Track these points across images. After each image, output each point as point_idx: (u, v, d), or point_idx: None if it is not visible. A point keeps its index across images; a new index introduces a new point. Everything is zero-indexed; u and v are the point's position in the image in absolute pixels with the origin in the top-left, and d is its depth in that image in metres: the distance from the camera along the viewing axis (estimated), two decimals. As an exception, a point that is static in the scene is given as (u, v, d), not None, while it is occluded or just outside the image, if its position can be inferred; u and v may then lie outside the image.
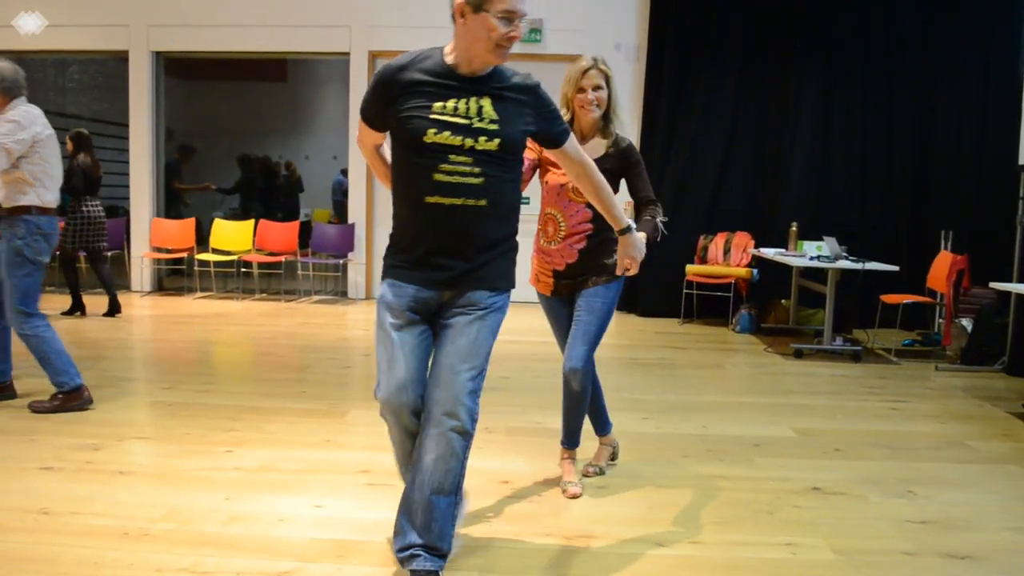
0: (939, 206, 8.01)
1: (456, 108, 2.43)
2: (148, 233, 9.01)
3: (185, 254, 8.96)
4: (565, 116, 3.15)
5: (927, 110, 8.09)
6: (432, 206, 2.43)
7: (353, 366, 5.71)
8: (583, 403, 3.37)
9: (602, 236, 3.22)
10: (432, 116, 2.41)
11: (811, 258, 6.64)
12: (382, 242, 9.08)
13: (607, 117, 3.27)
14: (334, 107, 9.84)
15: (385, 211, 8.91)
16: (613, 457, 3.73)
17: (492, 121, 2.45)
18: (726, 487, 3.51)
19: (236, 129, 11.92)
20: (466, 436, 2.47)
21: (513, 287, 2.65)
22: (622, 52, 8.26)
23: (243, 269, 9.00)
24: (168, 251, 9.00)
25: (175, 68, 9.50)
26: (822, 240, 6.81)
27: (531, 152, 3.15)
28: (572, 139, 2.67)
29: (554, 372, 5.48)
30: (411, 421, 2.51)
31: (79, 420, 4.18)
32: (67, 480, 3.35)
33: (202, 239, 9.16)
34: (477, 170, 2.44)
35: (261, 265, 9.01)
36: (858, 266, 6.31)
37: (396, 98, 2.44)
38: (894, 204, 8.13)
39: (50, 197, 4.31)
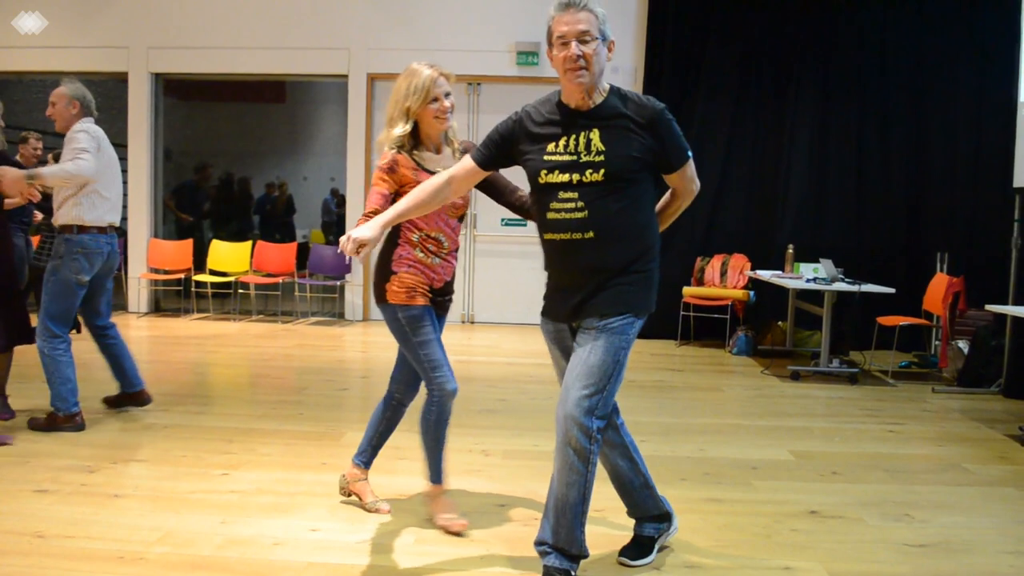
0: (935, 228, 8.03)
1: (567, 146, 2.55)
2: (145, 254, 9.01)
3: (182, 275, 8.95)
4: (404, 129, 2.99)
5: (923, 132, 8.13)
6: (548, 242, 2.64)
7: (350, 388, 5.70)
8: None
9: None
10: (545, 158, 2.58)
11: (808, 280, 6.65)
12: (379, 263, 9.10)
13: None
14: (332, 129, 9.89)
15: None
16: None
17: (599, 152, 2.52)
18: (723, 510, 3.50)
19: (235, 150, 11.96)
20: (581, 452, 2.53)
21: (636, 311, 2.61)
22: (619, 75, 8.31)
23: (240, 290, 9.00)
24: (165, 272, 9.00)
25: (174, 89, 9.55)
26: (819, 262, 6.82)
27: (384, 185, 2.97)
28: (690, 165, 2.69)
29: (551, 395, 5.49)
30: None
31: (74, 442, 4.17)
32: (62, 503, 3.34)
33: (199, 260, 9.16)
34: (582, 203, 2.53)
35: (258, 286, 9.01)
36: (854, 288, 6.32)
37: (522, 142, 2.64)
38: (890, 226, 8.15)
39: (96, 215, 4.31)
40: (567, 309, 2.65)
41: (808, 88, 8.21)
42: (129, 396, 4.76)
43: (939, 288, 6.69)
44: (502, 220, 8.62)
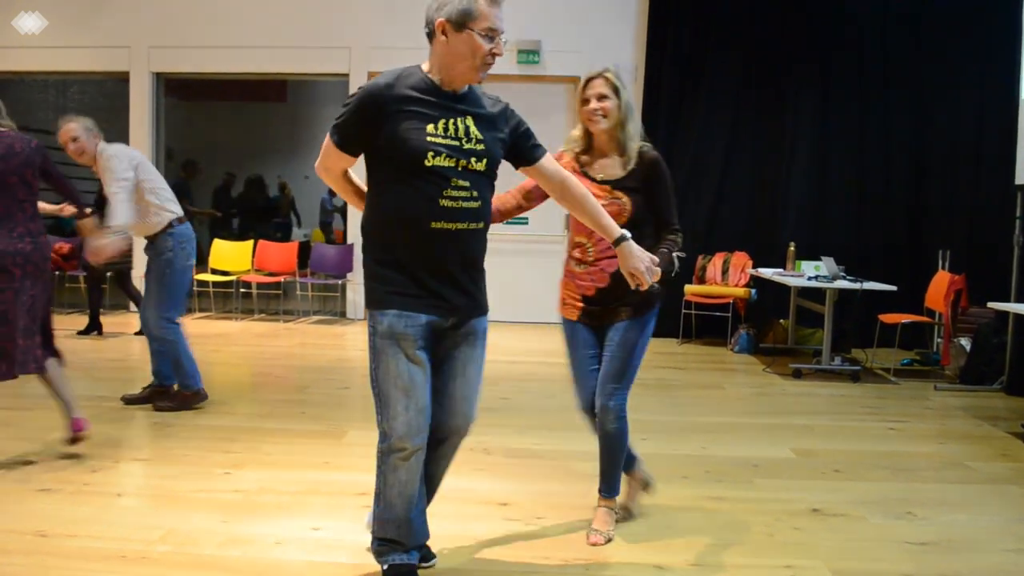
0: (937, 225, 8.02)
1: (447, 129, 2.43)
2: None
3: (184, 274, 8.95)
4: (580, 128, 3.05)
5: (924, 129, 8.12)
6: (438, 232, 2.42)
7: (352, 387, 5.70)
8: (620, 444, 3.10)
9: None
10: (428, 139, 2.40)
11: (809, 278, 6.65)
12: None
13: (624, 133, 2.98)
14: (334, 128, 9.89)
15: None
16: (646, 487, 3.41)
17: (479, 141, 2.47)
18: (725, 508, 3.50)
19: (236, 149, 11.97)
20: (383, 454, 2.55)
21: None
22: (620, 72, 8.29)
23: (242, 290, 9.00)
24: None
25: (176, 89, 9.56)
26: (820, 260, 6.82)
27: None
28: (548, 156, 2.67)
29: (552, 393, 5.49)
30: (420, 459, 2.56)
31: (77, 441, 4.17)
32: (64, 502, 3.34)
33: (201, 260, 9.16)
34: (475, 193, 2.46)
35: (260, 285, 9.01)
36: (856, 286, 6.32)
37: (388, 117, 2.40)
38: (892, 224, 8.15)
39: (174, 207, 4.77)
40: (450, 304, 2.48)
41: (809, 86, 8.20)
42: (161, 391, 4.91)
43: (941, 285, 6.68)
44: (503, 219, 8.60)
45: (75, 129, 4.51)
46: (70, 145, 4.48)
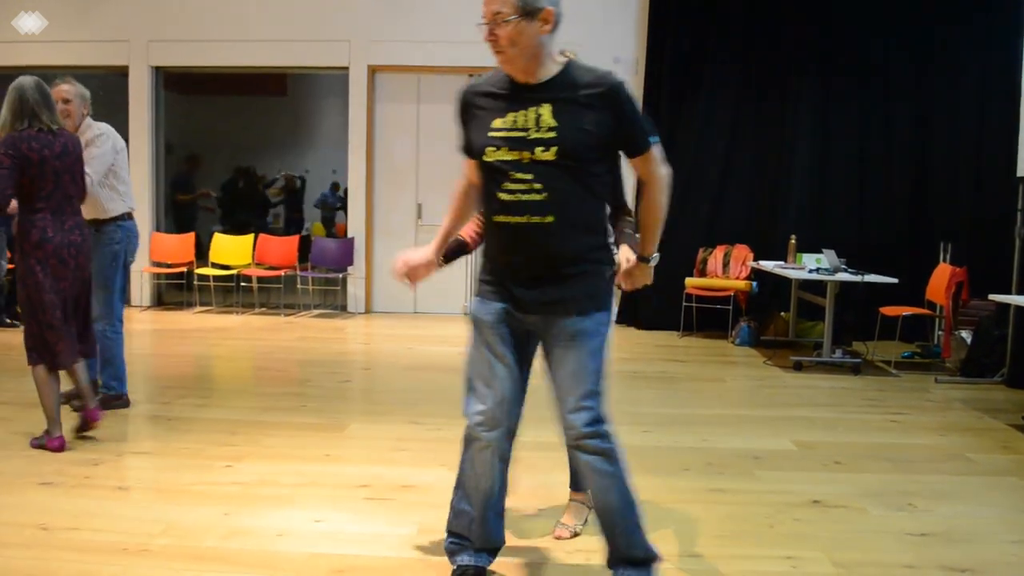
0: (938, 218, 8.01)
1: (515, 121, 2.36)
2: (148, 247, 9.00)
3: (185, 268, 8.96)
4: None
5: (925, 121, 8.10)
6: (501, 225, 2.41)
7: (353, 380, 5.71)
8: None
9: None
10: (490, 134, 2.38)
11: (810, 271, 6.64)
12: (381, 255, 9.12)
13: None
14: (334, 121, 9.85)
15: (384, 224, 8.93)
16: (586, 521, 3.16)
17: (550, 129, 2.33)
18: (726, 500, 3.51)
19: (236, 143, 11.93)
20: (602, 453, 2.42)
21: (606, 307, 2.46)
22: (621, 65, 8.27)
23: (242, 283, 9.00)
24: (168, 265, 9.00)
25: (175, 83, 9.53)
26: (821, 252, 6.81)
27: None
28: (656, 150, 2.44)
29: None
30: (504, 444, 2.55)
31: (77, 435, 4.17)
32: (66, 495, 3.35)
33: (201, 253, 9.16)
34: (539, 185, 2.34)
35: (260, 279, 9.00)
36: (857, 278, 6.31)
37: (469, 116, 2.47)
38: (893, 216, 8.14)
39: (131, 200, 4.76)
40: (528, 300, 2.43)
41: (811, 78, 8.17)
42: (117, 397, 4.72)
43: (942, 278, 6.68)
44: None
45: (71, 92, 4.50)
46: (60, 105, 4.37)
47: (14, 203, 3.89)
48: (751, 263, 7.85)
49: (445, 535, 2.70)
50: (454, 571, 2.63)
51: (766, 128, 8.28)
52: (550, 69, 2.38)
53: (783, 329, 7.77)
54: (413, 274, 2.65)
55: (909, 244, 8.08)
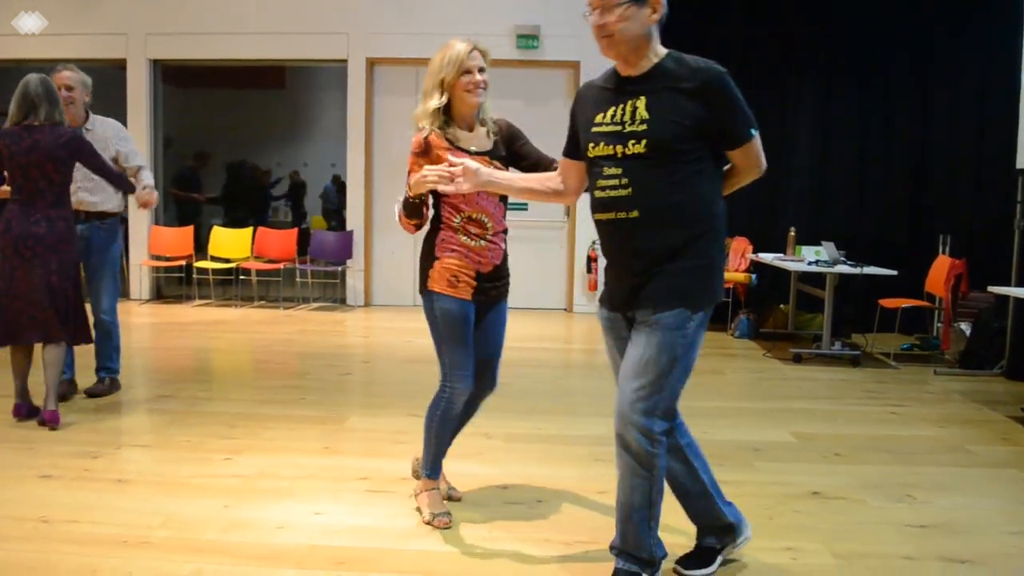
0: (937, 210, 8.01)
1: (615, 115, 2.37)
2: (147, 241, 9.00)
3: (184, 262, 8.95)
4: (439, 102, 2.89)
5: (925, 114, 8.10)
6: (600, 223, 2.45)
7: (352, 372, 5.71)
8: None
9: None
10: (593, 129, 2.41)
11: (809, 263, 6.64)
12: (381, 249, 9.12)
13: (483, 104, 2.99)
14: (332, 114, 9.84)
15: (383, 217, 8.91)
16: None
17: (643, 121, 2.31)
18: (726, 492, 3.50)
19: (234, 137, 11.92)
20: (641, 455, 2.37)
21: (692, 304, 2.36)
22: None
23: (242, 277, 8.99)
24: (167, 259, 8.99)
25: (173, 76, 9.51)
26: (820, 245, 6.81)
27: (419, 171, 2.78)
28: (756, 142, 2.44)
29: (553, 378, 5.50)
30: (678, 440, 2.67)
31: (77, 428, 4.17)
32: (66, 488, 3.35)
33: (200, 247, 9.15)
34: (626, 180, 2.32)
35: (260, 272, 9.00)
36: (856, 270, 6.31)
37: (577, 118, 2.53)
38: (892, 208, 8.13)
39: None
40: (620, 297, 2.46)
41: (810, 70, 8.17)
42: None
43: (941, 270, 6.67)
44: (503, 205, 8.60)
45: (74, 79, 4.60)
46: (63, 92, 4.46)
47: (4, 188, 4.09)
48: (750, 255, 7.85)
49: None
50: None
51: (766, 121, 8.13)
52: (651, 61, 2.38)
53: (782, 321, 7.77)
54: (467, 176, 2.59)
55: (908, 236, 8.08)
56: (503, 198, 3.01)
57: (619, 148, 2.33)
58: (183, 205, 10.07)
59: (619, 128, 2.34)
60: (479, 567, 2.74)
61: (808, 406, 5.09)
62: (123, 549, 2.78)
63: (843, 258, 6.59)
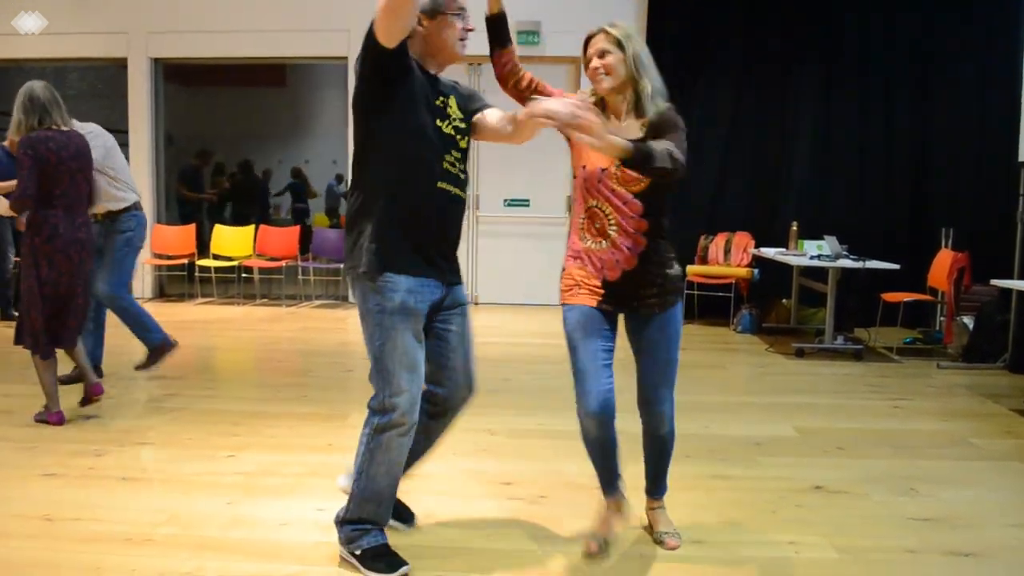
0: (939, 204, 7.99)
1: (446, 104, 2.59)
2: (149, 240, 8.99)
3: (186, 260, 8.95)
4: (591, 98, 2.69)
5: (926, 107, 8.07)
6: (441, 192, 2.55)
7: (355, 369, 5.71)
8: (672, 446, 2.91)
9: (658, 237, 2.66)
10: (434, 107, 2.56)
11: (812, 257, 6.63)
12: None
13: (637, 91, 2.66)
14: (333, 111, 9.85)
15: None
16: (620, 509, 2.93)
17: (462, 120, 2.64)
18: (729, 486, 3.51)
19: (236, 135, 11.93)
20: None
21: None
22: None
23: (244, 275, 9.00)
24: (169, 257, 9.00)
25: (174, 74, 9.51)
26: (823, 239, 6.80)
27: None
28: (492, 109, 2.74)
29: (557, 374, 5.49)
30: (412, 435, 2.62)
31: (81, 426, 4.18)
32: (69, 486, 3.35)
33: (203, 245, 9.16)
34: (463, 165, 2.63)
35: (262, 270, 9.00)
36: (859, 265, 6.30)
37: (405, 79, 2.49)
38: (894, 202, 8.12)
39: (135, 192, 5.01)
40: (446, 271, 2.69)
41: (812, 65, 8.14)
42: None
43: (944, 264, 6.67)
44: (504, 201, 8.60)
45: None
46: None
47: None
48: (752, 250, 7.84)
49: (338, 530, 2.71)
50: (361, 555, 2.62)
51: (767, 115, 8.26)
52: None
53: (785, 316, 7.76)
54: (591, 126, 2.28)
55: (910, 230, 8.07)
56: (638, 194, 2.62)
57: (460, 140, 2.69)
58: (185, 204, 10.08)
59: (454, 119, 2.70)
60: (482, 562, 2.74)
61: (811, 400, 5.09)
62: (127, 546, 2.79)
63: (845, 252, 6.58)
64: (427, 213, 2.53)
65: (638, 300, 2.66)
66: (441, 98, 2.59)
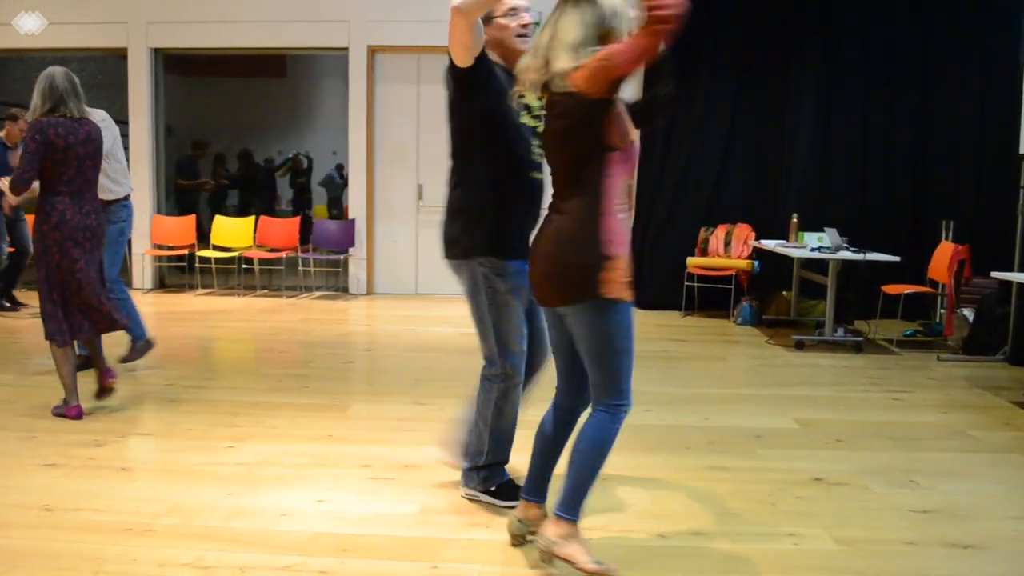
0: (940, 196, 7.98)
1: (523, 95, 2.68)
2: (149, 230, 9.00)
3: (186, 251, 8.95)
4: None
5: (927, 99, 8.05)
6: (534, 181, 2.88)
7: (355, 361, 5.71)
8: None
9: None
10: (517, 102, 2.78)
11: (812, 249, 6.62)
12: (383, 237, 9.09)
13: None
14: (333, 102, 9.81)
15: (385, 205, 8.90)
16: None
17: (540, 108, 2.77)
18: (728, 478, 3.51)
19: (236, 125, 11.90)
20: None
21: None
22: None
23: (244, 265, 8.99)
24: (169, 248, 9.00)
25: (174, 65, 9.48)
26: (823, 231, 6.79)
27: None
28: None
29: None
30: None
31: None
32: (69, 476, 3.36)
33: (203, 236, 9.15)
34: (541, 151, 2.76)
35: (262, 261, 9.00)
36: (859, 257, 6.29)
37: (488, 83, 2.77)
38: (895, 194, 8.10)
39: (130, 183, 5.16)
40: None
41: (813, 57, 8.12)
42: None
43: (944, 256, 6.66)
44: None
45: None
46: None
47: (35, 185, 4.04)
48: (753, 242, 7.84)
49: (469, 475, 3.13)
50: (496, 490, 3.10)
51: (768, 107, 8.24)
52: None
53: (785, 308, 7.76)
54: None
55: (911, 222, 8.06)
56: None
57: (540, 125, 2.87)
58: (184, 194, 10.06)
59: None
60: (484, 553, 2.74)
61: (810, 392, 5.09)
62: (127, 537, 2.79)
63: (845, 244, 6.57)
64: (527, 201, 2.89)
65: None
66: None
